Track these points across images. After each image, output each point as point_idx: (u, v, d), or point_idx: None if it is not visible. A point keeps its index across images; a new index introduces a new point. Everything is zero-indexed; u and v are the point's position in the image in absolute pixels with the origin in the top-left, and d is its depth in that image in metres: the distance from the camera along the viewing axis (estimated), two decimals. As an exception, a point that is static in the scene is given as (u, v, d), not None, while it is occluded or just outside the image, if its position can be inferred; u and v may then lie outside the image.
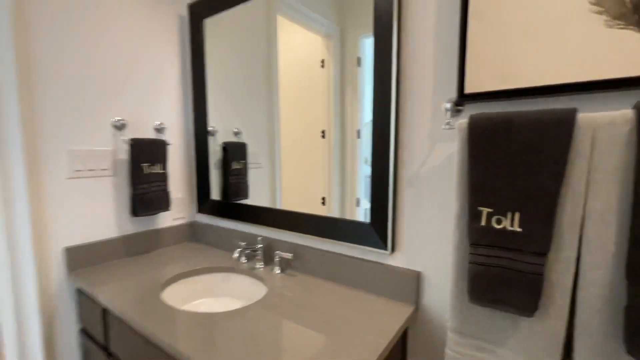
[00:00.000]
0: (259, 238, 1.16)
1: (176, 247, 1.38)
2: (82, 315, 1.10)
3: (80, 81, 1.10)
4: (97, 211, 1.17)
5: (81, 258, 1.12)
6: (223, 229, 1.35)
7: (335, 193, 1.13)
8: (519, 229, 0.62)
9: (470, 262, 0.66)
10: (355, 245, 0.95)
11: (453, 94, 0.78)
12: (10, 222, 0.97)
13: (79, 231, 1.13)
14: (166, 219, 1.39)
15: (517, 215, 0.62)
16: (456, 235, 0.70)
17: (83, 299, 1.07)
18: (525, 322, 0.64)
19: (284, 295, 0.91)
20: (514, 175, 0.62)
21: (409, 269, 0.87)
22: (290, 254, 1.07)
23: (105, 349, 0.99)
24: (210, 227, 1.40)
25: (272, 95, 1.23)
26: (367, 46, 0.91)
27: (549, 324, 0.61)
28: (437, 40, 0.79)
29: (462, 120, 0.68)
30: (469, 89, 0.72)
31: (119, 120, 1.21)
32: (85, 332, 1.10)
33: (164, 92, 1.36)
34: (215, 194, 1.42)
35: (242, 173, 1.41)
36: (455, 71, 0.77)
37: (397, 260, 0.90)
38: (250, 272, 1.11)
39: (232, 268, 1.14)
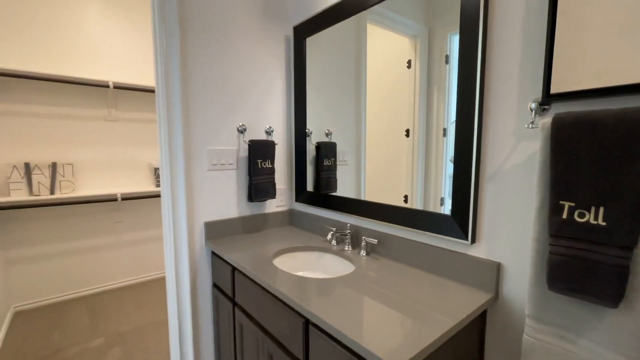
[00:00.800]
0: (348, 225, 1.34)
1: (278, 229, 1.66)
2: (214, 273, 1.45)
3: (216, 98, 1.45)
4: (224, 196, 1.52)
5: (214, 231, 1.47)
6: (315, 216, 1.58)
7: (418, 192, 1.21)
8: (603, 223, 0.64)
9: (550, 253, 0.70)
10: (436, 235, 1.04)
11: (538, 93, 0.81)
12: (175, 200, 1.37)
13: (212, 211, 1.48)
14: (271, 206, 1.69)
15: (601, 210, 0.64)
16: (536, 227, 0.74)
17: (215, 260, 1.42)
18: (609, 314, 0.66)
19: (368, 275, 1.07)
20: (598, 171, 0.64)
21: (488, 260, 0.93)
22: (376, 240, 1.21)
23: (231, 299, 1.31)
24: (305, 214, 1.64)
25: (360, 97, 1.38)
26: (455, 43, 0.98)
27: (634, 317, 0.62)
28: (523, 39, 0.83)
29: (547, 119, 0.72)
30: (555, 88, 0.75)
31: (241, 125, 1.53)
32: (216, 286, 1.45)
33: (272, 101, 1.65)
34: (309, 186, 1.65)
35: (332, 169, 1.61)
36: (542, 71, 0.80)
37: (477, 250, 0.96)
38: (340, 253, 1.29)
39: (325, 249, 1.35)
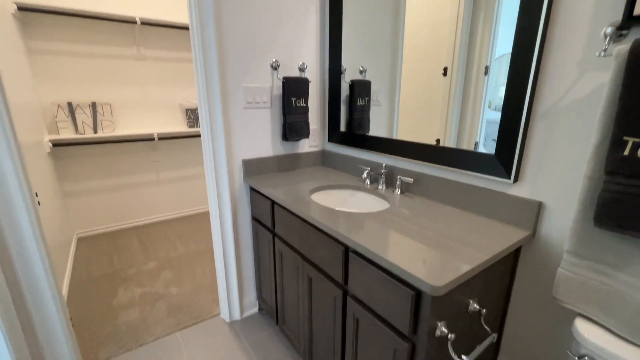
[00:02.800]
0: (383, 164, 1.35)
1: (311, 168, 1.70)
2: (253, 207, 1.54)
3: (250, 33, 1.39)
4: (260, 134, 1.54)
5: (251, 168, 1.53)
6: (348, 156, 1.59)
7: (451, 135, 1.17)
8: (670, 160, 0.61)
9: (602, 191, 0.69)
10: (476, 174, 1.04)
11: (615, 17, 0.72)
12: (215, 139, 1.41)
13: (249, 149, 1.53)
14: (304, 146, 1.71)
15: (670, 146, 0.61)
16: (590, 164, 0.72)
17: (254, 196, 1.51)
18: (655, 251, 0.66)
19: (404, 211, 1.10)
20: (677, 103, 0.59)
21: (530, 199, 0.92)
22: (411, 179, 1.22)
23: (271, 230, 1.41)
24: (337, 154, 1.66)
25: (397, 31, 1.28)
26: (517, -31, 0.87)
27: (684, 253, 0.62)
28: (609, -47, 0.71)
29: (623, 46, 0.65)
30: (639, 9, 0.66)
31: (275, 61, 1.49)
32: (255, 219, 1.56)
33: (306, 35, 1.56)
34: (342, 126, 1.64)
35: (365, 109, 1.57)
36: (627, -11, 0.70)
37: (518, 189, 0.96)
38: (374, 191, 1.33)
39: (359, 187, 1.38)
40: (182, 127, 2.93)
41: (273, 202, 1.34)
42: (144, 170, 2.86)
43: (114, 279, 2.08)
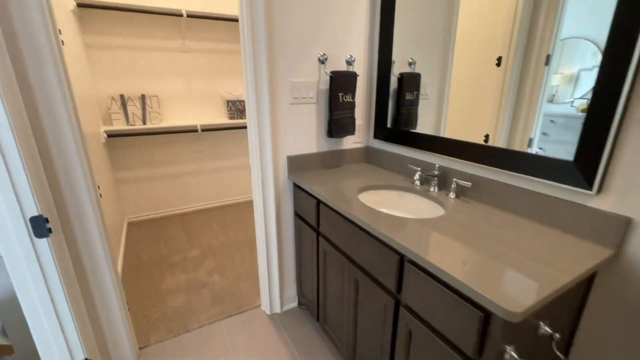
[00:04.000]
0: (437, 165, 1.27)
1: (355, 165, 1.66)
2: (296, 203, 1.54)
3: (299, 26, 1.35)
4: (304, 131, 1.52)
5: (295, 165, 1.52)
6: (394, 154, 1.52)
7: (502, 131, 1.07)
8: None
9: None
10: (548, 181, 0.94)
11: None
12: (262, 133, 1.41)
13: (294, 145, 1.51)
14: (348, 142, 1.66)
15: None
16: None
17: (298, 192, 1.49)
18: None
19: (462, 219, 1.03)
20: None
21: (616, 213, 0.82)
22: (469, 183, 1.14)
23: (315, 229, 1.39)
24: (383, 151, 1.59)
25: (451, 15, 1.18)
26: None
27: None
28: None
29: None
30: None
31: (322, 54, 1.44)
32: (298, 215, 1.56)
33: (354, 28, 1.49)
34: (388, 122, 1.57)
35: (414, 104, 1.48)
36: None
37: (601, 202, 0.85)
38: (425, 194, 1.26)
39: (408, 188, 1.32)
40: (223, 118, 2.98)
41: (319, 201, 1.31)
42: (187, 160, 2.97)
43: (161, 264, 2.20)
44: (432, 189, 1.27)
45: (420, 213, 1.25)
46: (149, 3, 2.38)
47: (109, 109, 2.44)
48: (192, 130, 2.68)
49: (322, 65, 1.47)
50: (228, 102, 2.90)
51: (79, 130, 1.08)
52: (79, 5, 2.09)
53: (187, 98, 2.82)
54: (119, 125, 2.48)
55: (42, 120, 1.03)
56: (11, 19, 0.93)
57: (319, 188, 1.30)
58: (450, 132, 1.27)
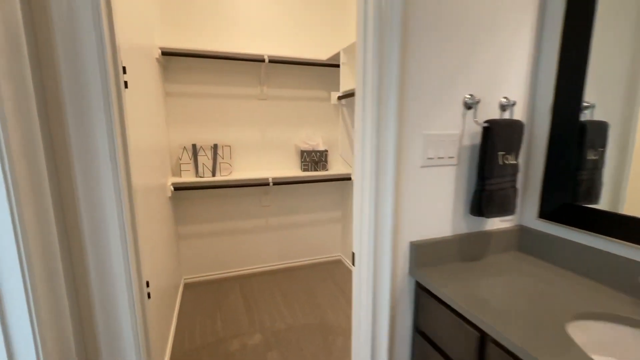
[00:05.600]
0: None
1: (506, 257, 1.09)
2: (420, 316, 0.99)
3: (439, 60, 0.93)
4: (438, 205, 1.02)
5: (421, 255, 1.00)
6: (577, 244, 0.94)
7: None
8: None
9: None
10: None
11: None
12: (379, 210, 0.94)
13: (420, 226, 1.01)
14: (494, 221, 1.12)
15: None
16: None
17: (425, 299, 0.96)
18: None
19: None
20: None
21: None
22: None
23: (469, 379, 0.82)
24: (554, 238, 1.01)
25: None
26: None
27: None
28: None
29: None
30: None
31: (470, 96, 0.98)
32: (422, 334, 1.00)
33: (513, 61, 1.03)
34: (561, 192, 1.01)
35: (598, 166, 0.95)
36: None
37: None
38: None
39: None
40: (295, 170, 2.65)
41: (483, 335, 0.76)
42: (253, 215, 2.64)
43: (217, 354, 1.74)
44: None
45: None
46: (229, 49, 2.23)
47: (180, 159, 2.24)
48: (262, 184, 2.37)
49: (469, 112, 1.00)
50: (302, 152, 2.57)
51: (131, 221, 0.72)
52: (164, 53, 1.99)
53: (259, 147, 2.56)
54: (188, 177, 2.26)
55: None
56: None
57: (480, 307, 0.75)
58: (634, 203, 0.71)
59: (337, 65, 2.37)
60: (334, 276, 2.64)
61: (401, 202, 0.97)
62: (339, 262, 2.91)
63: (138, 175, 1.15)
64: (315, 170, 2.60)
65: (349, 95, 2.00)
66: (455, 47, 0.94)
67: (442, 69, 0.94)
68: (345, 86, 2.11)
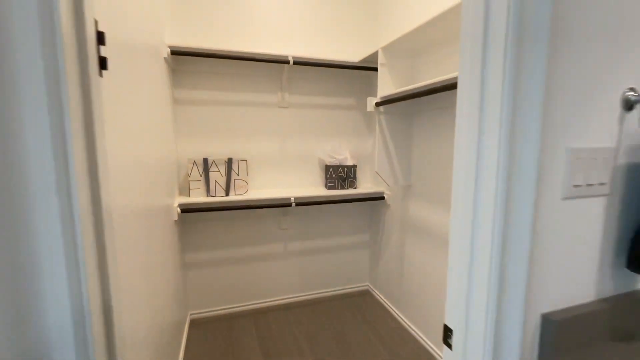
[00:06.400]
0: None
1: (675, 332, 0.72)
2: None
3: (594, 35, 0.60)
4: (578, 255, 0.67)
5: (559, 335, 0.64)
6: None
7: None
8: None
9: None
10: None
11: None
12: (505, 265, 0.59)
13: (554, 288, 0.66)
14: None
15: None
16: None
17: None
18: None
19: None
20: None
21: None
22: None
23: None
24: None
25: None
26: None
27: None
28: None
29: None
30: None
31: (632, 92, 0.64)
32: None
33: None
34: None
35: None
36: None
37: None
38: None
39: None
40: (319, 187, 2.32)
41: None
42: (270, 239, 2.30)
43: None
44: None
45: None
46: (247, 49, 1.94)
47: (189, 175, 1.93)
48: (283, 204, 2.04)
49: (628, 114, 0.66)
50: (328, 167, 2.24)
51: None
52: (174, 52, 1.70)
53: (279, 162, 2.25)
54: (197, 196, 1.94)
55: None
56: None
57: None
58: None
59: (371, 68, 2.06)
60: (363, 312, 2.26)
61: (535, 251, 0.62)
62: (367, 294, 2.53)
63: (121, 195, 0.84)
64: (343, 188, 2.27)
65: (391, 101, 1.67)
66: (607, 34, 0.61)
67: (590, 48, 0.60)
68: (384, 91, 1.79)
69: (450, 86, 1.25)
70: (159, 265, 1.33)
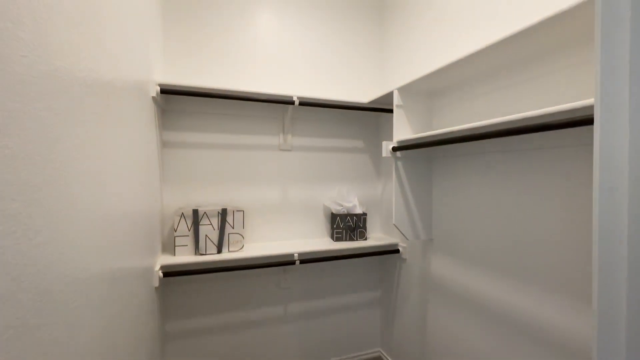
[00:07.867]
0: None
1: None
2: None
3: None
4: None
5: None
6: None
7: None
8: None
9: None
10: None
11: None
12: None
13: None
14: None
15: None
16: None
17: None
18: None
19: None
20: None
21: None
22: None
23: None
24: None
25: None
26: None
27: None
28: None
29: None
30: None
31: None
32: None
33: None
34: None
35: None
36: None
37: None
38: None
39: None
40: (325, 238, 2.05)
41: None
42: (268, 301, 1.97)
43: None
44: None
45: None
46: (246, 88, 1.75)
47: (175, 230, 1.64)
48: (285, 262, 1.75)
49: None
50: (335, 216, 1.99)
51: None
52: (163, 91, 1.49)
53: (280, 211, 1.99)
54: (184, 256, 1.63)
55: None
56: None
57: None
58: None
59: (383, 110, 1.89)
60: (378, 390, 1.89)
61: None
62: (379, 363, 2.17)
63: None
64: (352, 239, 2.00)
65: (411, 146, 1.47)
66: None
67: None
68: (401, 134, 1.60)
69: (494, 133, 1.05)
70: (127, 343, 1.01)
